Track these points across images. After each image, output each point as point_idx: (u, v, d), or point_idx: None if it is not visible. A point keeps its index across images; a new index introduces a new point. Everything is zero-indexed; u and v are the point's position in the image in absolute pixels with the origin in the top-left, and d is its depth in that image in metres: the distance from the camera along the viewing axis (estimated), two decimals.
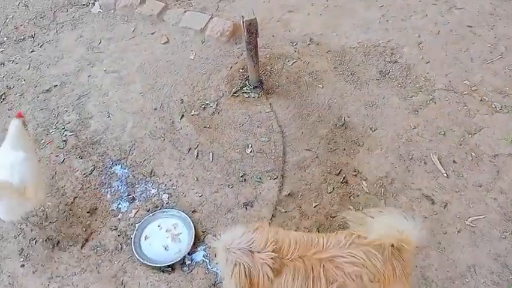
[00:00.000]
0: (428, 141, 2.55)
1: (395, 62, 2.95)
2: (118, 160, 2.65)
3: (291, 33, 3.24)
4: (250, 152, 2.60)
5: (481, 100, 2.71)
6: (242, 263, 1.56)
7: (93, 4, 3.70)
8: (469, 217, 2.25)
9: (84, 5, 3.73)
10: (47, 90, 3.09)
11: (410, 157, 2.49)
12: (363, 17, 3.28)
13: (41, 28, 3.57)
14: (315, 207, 2.34)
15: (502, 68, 2.86)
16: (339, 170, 2.46)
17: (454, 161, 2.45)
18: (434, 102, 2.70)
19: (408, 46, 3.02)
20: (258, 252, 1.58)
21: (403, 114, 2.69)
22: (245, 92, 2.93)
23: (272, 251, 1.57)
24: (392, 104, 2.75)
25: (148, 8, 3.53)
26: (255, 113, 2.80)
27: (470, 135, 2.55)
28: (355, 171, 2.45)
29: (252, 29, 2.50)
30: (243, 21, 2.47)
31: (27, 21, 3.64)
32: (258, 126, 2.72)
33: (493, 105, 2.67)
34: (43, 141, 2.79)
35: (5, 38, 3.51)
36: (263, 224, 1.67)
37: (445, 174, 2.40)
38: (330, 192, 2.38)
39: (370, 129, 2.64)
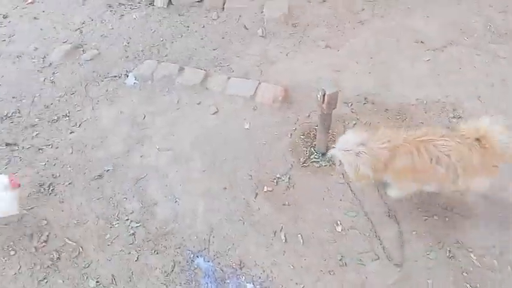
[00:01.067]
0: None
1: (459, 117, 2.95)
2: (199, 252, 2.45)
3: (343, 93, 3.19)
4: (341, 230, 2.47)
5: None
6: (361, 153, 2.11)
7: (126, 76, 3.54)
8: None
9: (115, 76, 3.57)
10: (99, 176, 2.86)
11: None
12: (411, 72, 3.30)
13: (74, 106, 3.37)
14: None
15: None
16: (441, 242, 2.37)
17: None
18: None
19: (468, 100, 3.04)
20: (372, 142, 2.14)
21: None
22: (315, 161, 2.83)
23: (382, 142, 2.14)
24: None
25: (189, 76, 3.41)
26: (332, 183, 2.69)
27: None
28: (457, 242, 2.36)
29: (332, 102, 2.43)
30: (324, 94, 2.39)
31: (57, 99, 3.43)
32: (340, 199, 2.60)
33: None
34: (108, 236, 2.55)
35: (37, 119, 3.27)
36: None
37: None
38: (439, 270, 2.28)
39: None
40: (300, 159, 2.84)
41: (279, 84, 3.28)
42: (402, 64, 3.36)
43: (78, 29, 4.02)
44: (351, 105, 3.14)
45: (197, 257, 2.43)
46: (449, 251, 2.32)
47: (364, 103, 3.14)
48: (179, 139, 3.04)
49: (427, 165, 2.14)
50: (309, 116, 3.08)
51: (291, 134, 3.00)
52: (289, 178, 2.74)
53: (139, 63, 3.61)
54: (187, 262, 2.41)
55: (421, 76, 3.26)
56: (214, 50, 3.71)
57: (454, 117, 2.96)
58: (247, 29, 3.85)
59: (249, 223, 2.55)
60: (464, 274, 2.24)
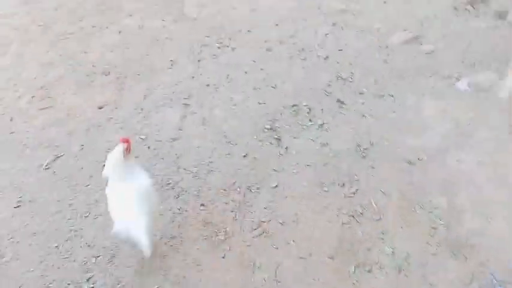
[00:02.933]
0: None
1: None
2: (501, 281, 2.35)
3: None
4: None
5: None
6: None
7: (458, 79, 3.56)
8: None
9: (446, 77, 3.63)
10: (410, 162, 3.03)
11: None
12: None
13: (398, 88, 3.60)
14: None
15: None
16: None
17: None
18: None
19: None
20: None
21: None
22: None
23: None
24: None
25: None
26: None
27: None
28: None
29: None
30: None
31: (386, 77, 3.73)
32: None
33: None
34: (407, 218, 2.71)
35: (364, 89, 3.66)
36: None
37: None
38: None
39: None
40: None
41: None
42: None
43: (420, 21, 4.22)
44: None
45: (498, 286, 2.34)
46: None
47: None
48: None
49: None
50: None
51: None
52: None
53: (474, 71, 3.57)
54: (486, 284, 2.35)
55: None
56: None
57: None
58: None
59: None
60: None
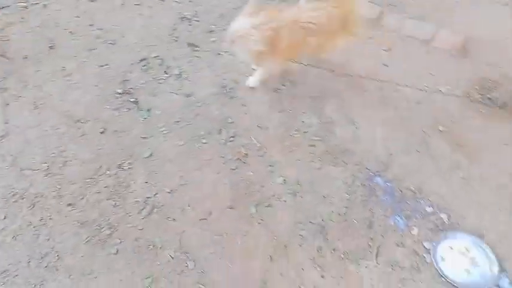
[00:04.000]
0: None
1: None
2: (377, 172, 2.61)
3: None
4: None
5: None
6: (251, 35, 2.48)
7: None
8: None
9: None
10: (276, 90, 3.03)
11: None
12: None
13: None
14: None
15: None
16: None
17: None
18: None
19: None
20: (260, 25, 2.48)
21: None
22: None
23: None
24: None
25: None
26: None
27: None
28: None
29: None
30: None
31: (231, 10, 3.56)
32: None
33: None
34: (288, 144, 2.75)
35: (213, 26, 3.44)
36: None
37: None
38: None
39: None
40: (477, 106, 2.89)
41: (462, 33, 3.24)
42: None
43: None
44: None
45: (376, 176, 2.60)
46: None
47: None
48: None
49: (302, 39, 2.62)
50: (488, 69, 3.07)
51: (469, 95, 3.01)
52: (462, 120, 2.81)
53: None
54: (366, 179, 2.59)
55: None
56: None
57: None
58: None
59: (426, 155, 2.67)
60: None
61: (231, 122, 2.85)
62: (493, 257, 2.25)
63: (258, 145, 2.74)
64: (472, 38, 3.22)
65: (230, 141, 2.76)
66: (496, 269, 2.21)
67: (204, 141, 2.76)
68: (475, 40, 3.21)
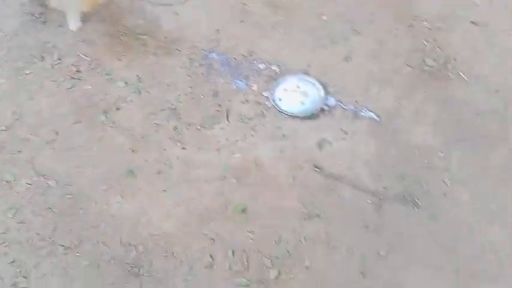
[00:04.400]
0: None
1: None
2: (210, 49, 2.76)
3: None
4: (326, 18, 2.94)
5: None
6: None
7: None
8: None
9: None
10: None
11: None
12: None
13: None
14: None
15: None
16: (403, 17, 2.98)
17: None
18: None
19: None
20: None
21: None
22: None
23: None
24: None
25: None
26: None
27: None
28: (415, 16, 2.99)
29: None
30: None
31: None
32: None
33: None
34: (119, 49, 2.72)
35: None
36: None
37: None
38: None
39: None
40: None
41: None
42: None
43: None
44: None
45: (210, 53, 2.75)
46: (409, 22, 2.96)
47: None
48: None
49: None
50: None
51: None
52: None
53: None
54: (202, 58, 2.73)
55: None
56: None
57: None
58: None
59: (249, 23, 2.88)
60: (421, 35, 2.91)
61: (52, 46, 2.69)
62: (318, 85, 2.63)
63: (88, 59, 2.66)
64: None
65: (57, 64, 2.62)
66: (322, 93, 2.60)
67: (27, 72, 2.58)
68: None
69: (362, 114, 2.57)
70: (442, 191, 2.32)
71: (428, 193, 2.30)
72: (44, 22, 2.77)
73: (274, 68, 2.72)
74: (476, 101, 2.66)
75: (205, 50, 2.75)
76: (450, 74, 2.76)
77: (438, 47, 2.87)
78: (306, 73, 2.70)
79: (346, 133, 2.49)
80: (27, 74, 2.56)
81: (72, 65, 2.62)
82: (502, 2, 3.09)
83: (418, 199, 2.27)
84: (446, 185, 2.34)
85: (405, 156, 2.44)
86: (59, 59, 2.63)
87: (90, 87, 2.56)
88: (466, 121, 2.58)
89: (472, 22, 2.99)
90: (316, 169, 2.34)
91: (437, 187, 2.32)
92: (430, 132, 2.54)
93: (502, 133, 2.54)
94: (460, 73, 2.77)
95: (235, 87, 2.63)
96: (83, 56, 2.66)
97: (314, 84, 2.64)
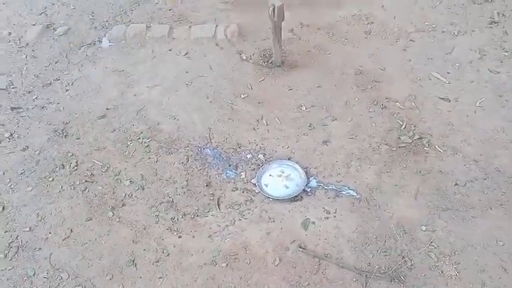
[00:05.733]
0: (424, 65, 3.53)
1: (372, 22, 3.92)
2: (204, 146, 3.14)
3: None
4: (305, 109, 3.31)
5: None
6: None
7: (100, 41, 4.09)
8: None
9: (90, 44, 4.10)
10: (103, 116, 3.43)
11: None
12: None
13: (61, 71, 3.86)
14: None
15: None
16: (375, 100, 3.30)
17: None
18: (413, 41, 3.72)
19: (376, 10, 4.02)
20: None
21: (397, 54, 3.65)
22: (274, 69, 3.64)
23: None
24: (387, 49, 3.71)
25: (156, 31, 4.05)
26: (291, 81, 3.52)
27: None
28: (387, 98, 3.31)
29: (280, 13, 3.25)
30: (273, 8, 3.20)
31: (44, 68, 3.89)
32: (297, 90, 3.44)
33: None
34: (127, 152, 3.16)
35: (31, 87, 3.73)
36: None
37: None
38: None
39: (380, 69, 3.53)
40: (263, 71, 3.64)
41: (234, 23, 4.04)
42: None
43: (43, 12, 4.45)
44: (292, 30, 3.99)
45: (204, 149, 3.13)
46: (382, 104, 3.27)
47: (301, 27, 4.02)
48: (163, 77, 3.69)
49: None
50: (262, 43, 3.88)
51: (251, 56, 3.78)
52: (258, 84, 3.53)
53: (109, 30, 4.17)
54: (197, 153, 3.10)
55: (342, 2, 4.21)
56: (170, 10, 4.37)
57: (368, 23, 3.93)
58: None
59: (237, 119, 3.29)
60: (395, 115, 3.19)
61: (71, 155, 3.16)
62: (300, 169, 2.91)
63: (101, 164, 3.09)
64: (242, 26, 4.04)
65: (74, 170, 3.06)
66: (304, 176, 2.86)
67: (50, 179, 3.01)
68: (243, 27, 4.03)
69: (343, 192, 2.78)
70: (427, 265, 2.41)
71: (413, 268, 2.40)
72: (66, 136, 3.29)
73: (260, 156, 3.04)
74: (454, 172, 2.83)
75: (199, 147, 3.14)
76: (426, 148, 2.99)
77: (412, 124, 3.14)
78: (289, 159, 3.00)
79: (328, 212, 2.69)
80: (50, 181, 3.00)
81: (87, 169, 3.05)
82: (467, 77, 3.39)
83: (403, 275, 2.36)
84: (432, 258, 2.43)
85: (388, 231, 2.58)
86: (76, 166, 3.08)
87: (101, 188, 2.94)
88: (446, 192, 2.74)
89: (441, 98, 3.27)
90: (302, 249, 2.51)
91: (423, 261, 2.42)
92: (411, 205, 2.70)
93: (484, 201, 2.66)
94: (436, 146, 2.99)
95: (225, 176, 2.94)
96: (97, 162, 3.10)
97: (297, 169, 2.92)
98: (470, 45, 3.63)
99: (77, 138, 3.28)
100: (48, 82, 3.75)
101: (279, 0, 3.19)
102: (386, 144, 3.03)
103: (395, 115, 3.20)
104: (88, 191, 2.94)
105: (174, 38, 4.01)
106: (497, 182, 2.73)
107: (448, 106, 3.21)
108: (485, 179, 2.75)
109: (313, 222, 2.65)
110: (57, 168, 3.08)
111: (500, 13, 3.85)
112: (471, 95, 3.26)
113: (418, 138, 3.04)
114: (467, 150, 2.93)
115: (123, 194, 2.90)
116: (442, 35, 3.74)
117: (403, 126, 3.12)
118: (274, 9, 3.20)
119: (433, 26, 3.81)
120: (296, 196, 2.78)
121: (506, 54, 3.51)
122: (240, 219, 2.69)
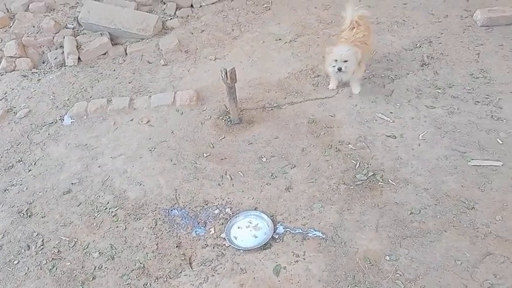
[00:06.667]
0: (369, 108, 3.84)
1: (318, 76, 4.27)
2: (171, 207, 3.21)
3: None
4: (266, 160, 3.47)
5: None
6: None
7: (62, 119, 4.20)
8: None
9: (52, 123, 4.20)
10: (68, 191, 3.45)
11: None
12: (279, 57, 4.59)
13: (23, 152, 3.90)
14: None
15: None
16: (329, 145, 3.53)
17: None
18: None
19: (321, 64, 4.40)
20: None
21: (344, 100, 3.96)
22: (234, 125, 3.84)
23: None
24: (334, 97, 4.02)
25: (117, 103, 4.22)
26: (250, 136, 3.71)
27: None
28: (339, 142, 3.54)
29: (233, 76, 3.51)
30: (226, 71, 3.47)
31: (5, 152, 3.93)
32: (257, 143, 3.63)
33: None
34: (95, 224, 3.16)
35: None
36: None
37: None
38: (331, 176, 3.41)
39: (330, 116, 3.81)
40: (222, 129, 3.83)
41: (192, 89, 4.29)
42: (272, 54, 4.66)
43: (3, 98, 4.56)
44: (246, 88, 4.28)
45: (171, 210, 3.19)
46: (336, 147, 3.49)
47: (254, 85, 4.31)
48: (126, 146, 3.79)
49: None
50: (219, 104, 4.12)
51: (210, 117, 3.98)
52: (219, 142, 3.70)
53: (70, 107, 4.31)
54: (165, 216, 3.15)
55: (286, 58, 4.57)
56: (129, 83, 4.58)
57: (315, 76, 4.28)
58: (150, 62, 4.82)
59: (201, 177, 3.40)
60: (349, 156, 3.41)
61: (36, 235, 3.12)
62: (266, 218, 3.00)
63: (68, 239, 3.07)
64: (199, 91, 4.29)
65: (41, 249, 3.02)
66: (271, 224, 2.95)
67: (15, 262, 2.95)
68: (201, 92, 4.28)
69: (309, 234, 2.88)
70: None
71: None
72: (30, 216, 3.26)
73: (227, 210, 3.13)
74: (409, 202, 3.02)
75: (167, 209, 3.19)
76: (381, 183, 3.18)
77: (365, 162, 3.35)
78: (255, 209, 3.10)
79: (298, 256, 2.77)
80: (15, 264, 2.93)
81: (54, 247, 3.02)
82: (408, 114, 3.70)
83: None
84: (399, 285, 2.53)
85: (356, 265, 2.67)
86: (42, 245, 3.04)
87: (69, 263, 2.90)
88: (404, 221, 2.89)
89: (388, 136, 3.54)
90: None
91: None
92: (374, 238, 2.82)
93: (438, 225, 2.82)
94: (390, 180, 3.18)
95: (195, 234, 2.99)
96: (64, 238, 3.08)
97: (263, 218, 3.01)
98: (407, 86, 4.00)
99: (42, 217, 3.26)
100: (10, 165, 3.78)
101: (230, 65, 3.47)
102: (344, 183, 3.20)
103: (349, 156, 3.41)
104: (56, 268, 2.89)
105: (135, 109, 4.18)
106: (447, 205, 2.92)
107: (395, 142, 3.47)
108: (436, 204, 2.94)
109: (284, 268, 2.70)
110: (23, 250, 3.03)
111: (429, 56, 4.32)
112: (414, 130, 3.55)
113: (372, 175, 3.24)
114: (417, 180, 3.14)
115: (93, 267, 2.87)
116: (381, 80, 4.11)
117: (357, 165, 3.32)
118: (226, 73, 3.46)
119: (373, 73, 4.20)
120: (265, 244, 2.84)
121: (439, 91, 3.89)
122: (213, 275, 2.71)
